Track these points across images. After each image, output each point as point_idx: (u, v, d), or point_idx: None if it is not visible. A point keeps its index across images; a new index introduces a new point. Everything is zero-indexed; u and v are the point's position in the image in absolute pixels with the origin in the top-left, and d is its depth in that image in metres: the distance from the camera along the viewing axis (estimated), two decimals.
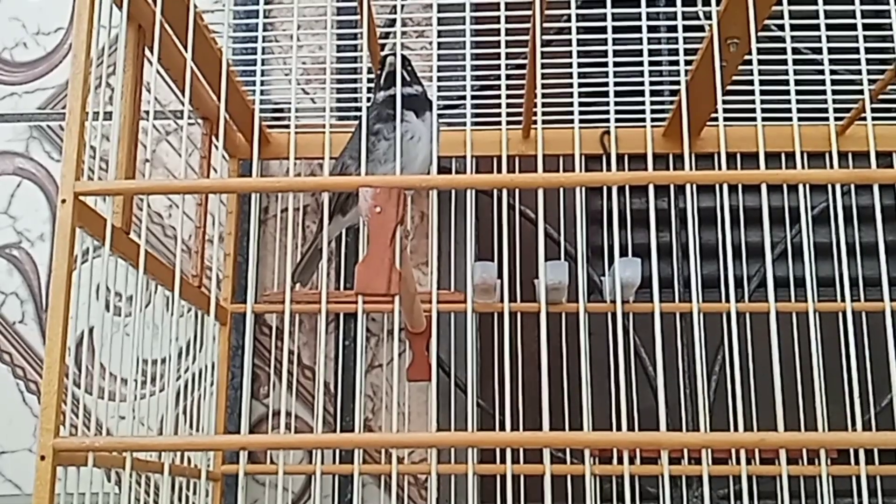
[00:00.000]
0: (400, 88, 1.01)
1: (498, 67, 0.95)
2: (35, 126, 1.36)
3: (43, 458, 0.70)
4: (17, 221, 1.34)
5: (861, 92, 1.13)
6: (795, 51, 0.84)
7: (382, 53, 1.06)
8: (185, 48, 0.82)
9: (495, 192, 1.27)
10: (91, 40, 0.78)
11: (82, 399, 0.82)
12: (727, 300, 1.19)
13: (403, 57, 1.06)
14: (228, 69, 0.83)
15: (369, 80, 1.07)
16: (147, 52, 0.90)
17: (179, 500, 1.02)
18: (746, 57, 0.96)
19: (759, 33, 0.87)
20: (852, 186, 1.26)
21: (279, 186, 0.77)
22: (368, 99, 1.06)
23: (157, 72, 0.91)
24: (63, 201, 0.74)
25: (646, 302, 1.15)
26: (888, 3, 0.82)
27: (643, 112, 1.12)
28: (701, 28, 1.03)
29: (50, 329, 0.72)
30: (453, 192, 1.26)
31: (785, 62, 0.85)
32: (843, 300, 1.17)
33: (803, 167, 0.77)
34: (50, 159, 1.35)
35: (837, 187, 1.12)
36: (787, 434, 0.68)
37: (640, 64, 0.88)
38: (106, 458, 0.81)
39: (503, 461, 1.10)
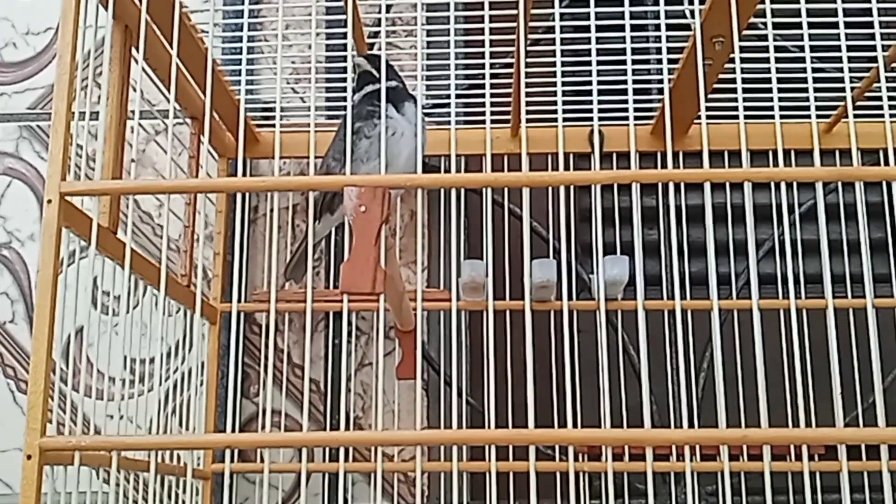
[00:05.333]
0: (382, 84, 1.01)
1: (485, 66, 0.95)
2: (25, 126, 1.36)
3: (29, 457, 0.70)
4: (6, 221, 1.34)
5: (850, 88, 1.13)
6: (781, 49, 0.84)
7: (362, 55, 1.06)
8: (171, 47, 0.82)
9: (483, 193, 1.27)
10: (77, 40, 0.78)
11: (69, 397, 0.82)
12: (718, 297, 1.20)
13: (373, 55, 1.07)
14: (214, 66, 0.84)
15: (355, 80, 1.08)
16: (134, 51, 0.90)
17: (169, 498, 1.03)
18: (732, 55, 0.96)
19: (744, 31, 0.88)
20: (839, 184, 1.27)
21: (265, 186, 0.77)
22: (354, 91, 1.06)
23: (144, 71, 0.91)
24: (49, 201, 0.74)
25: (633, 300, 1.16)
26: (872, 1, 0.83)
27: (634, 109, 1.13)
28: (688, 26, 1.03)
29: (36, 328, 0.72)
30: (442, 190, 1.26)
31: (768, 60, 0.85)
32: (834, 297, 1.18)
33: (788, 165, 0.78)
34: (40, 159, 1.35)
35: (822, 185, 1.11)
36: (771, 430, 0.68)
37: (623, 62, 0.88)
38: (94, 458, 0.81)
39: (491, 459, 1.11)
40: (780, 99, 0.85)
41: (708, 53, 0.95)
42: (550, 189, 1.25)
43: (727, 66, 1.00)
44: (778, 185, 1.23)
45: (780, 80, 0.87)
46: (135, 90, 0.88)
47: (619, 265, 1.08)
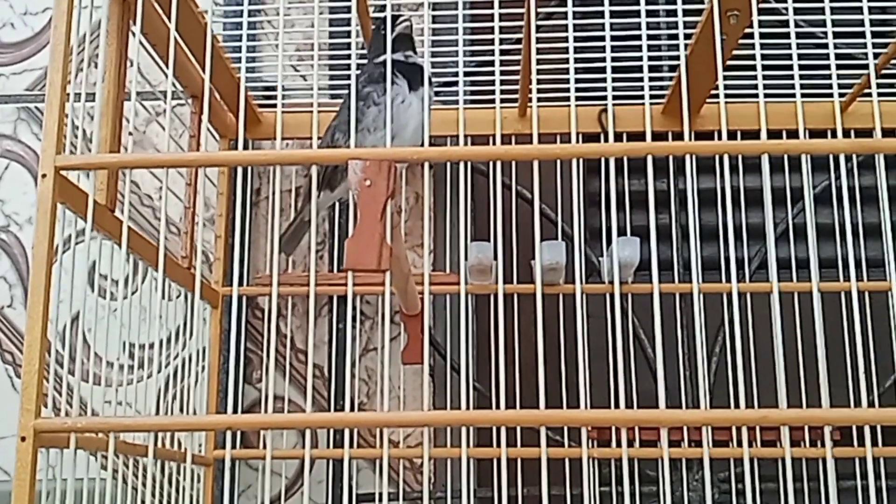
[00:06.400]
0: (405, 54, 0.97)
1: (494, 44, 0.92)
2: (23, 108, 1.34)
3: (24, 439, 0.68)
4: (4, 204, 1.31)
5: (862, 67, 1.11)
6: (795, 24, 0.82)
7: (393, 14, 1.02)
8: (170, 22, 0.80)
9: (491, 171, 1.24)
10: (72, 9, 0.75)
11: (65, 381, 0.80)
12: (727, 281, 1.18)
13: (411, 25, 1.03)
14: (214, 42, 0.81)
15: (361, 57, 1.05)
16: (133, 26, 0.88)
17: (170, 485, 1.00)
18: (747, 31, 0.94)
19: (759, 5, 0.85)
20: (855, 165, 1.24)
21: (266, 159, 0.74)
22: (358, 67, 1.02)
23: (142, 45, 0.89)
24: (43, 176, 0.72)
25: (644, 283, 1.13)
26: None
27: (642, 90, 1.11)
28: (700, 0, 1.01)
29: (30, 307, 0.70)
30: (448, 171, 1.24)
31: (783, 36, 0.83)
32: (846, 280, 1.16)
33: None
34: (38, 141, 1.32)
35: (842, 161, 1.09)
36: (790, 411, 0.66)
37: (638, 39, 0.85)
38: (91, 441, 0.79)
39: (500, 444, 1.09)
40: (793, 78, 0.82)
41: (723, 28, 0.93)
42: (559, 170, 1.23)
43: (741, 41, 0.97)
44: (792, 166, 1.21)
45: (789, 59, 0.85)
46: (132, 64, 0.85)
47: (629, 247, 1.06)
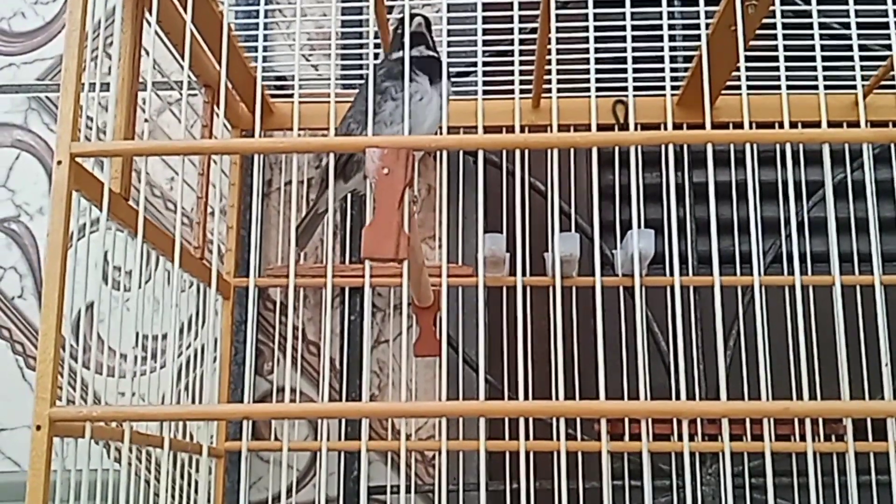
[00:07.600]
0: (419, 50, 0.97)
1: (506, 32, 0.92)
2: (33, 97, 1.33)
3: (39, 427, 0.68)
4: (15, 195, 1.31)
5: (877, 59, 1.10)
6: (809, 14, 0.81)
7: (411, 12, 1.02)
8: (186, 11, 0.80)
9: (505, 163, 1.24)
10: None
11: (79, 374, 0.80)
12: (742, 274, 1.17)
13: (427, 19, 1.02)
14: (230, 33, 0.81)
15: (376, 46, 1.04)
16: (147, 15, 0.87)
17: (182, 477, 1.00)
18: (765, 21, 0.93)
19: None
20: (871, 159, 1.23)
21: (281, 147, 0.74)
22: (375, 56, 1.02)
23: (157, 34, 0.88)
24: (59, 163, 0.71)
25: (657, 276, 1.13)
26: None
27: (655, 81, 1.10)
28: None
29: (46, 295, 0.70)
30: (461, 163, 1.23)
31: (799, 27, 0.81)
32: (860, 274, 1.15)
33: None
34: (49, 131, 1.32)
35: (865, 151, 1.08)
36: (813, 403, 0.65)
37: (652, 29, 0.85)
38: (105, 431, 0.78)
39: (512, 437, 1.08)
40: (806, 69, 0.82)
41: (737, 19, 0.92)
42: (572, 164, 1.22)
43: (758, 31, 0.97)
44: (807, 159, 1.20)
45: (805, 50, 0.84)
46: (147, 53, 0.85)
47: (644, 239, 1.05)
